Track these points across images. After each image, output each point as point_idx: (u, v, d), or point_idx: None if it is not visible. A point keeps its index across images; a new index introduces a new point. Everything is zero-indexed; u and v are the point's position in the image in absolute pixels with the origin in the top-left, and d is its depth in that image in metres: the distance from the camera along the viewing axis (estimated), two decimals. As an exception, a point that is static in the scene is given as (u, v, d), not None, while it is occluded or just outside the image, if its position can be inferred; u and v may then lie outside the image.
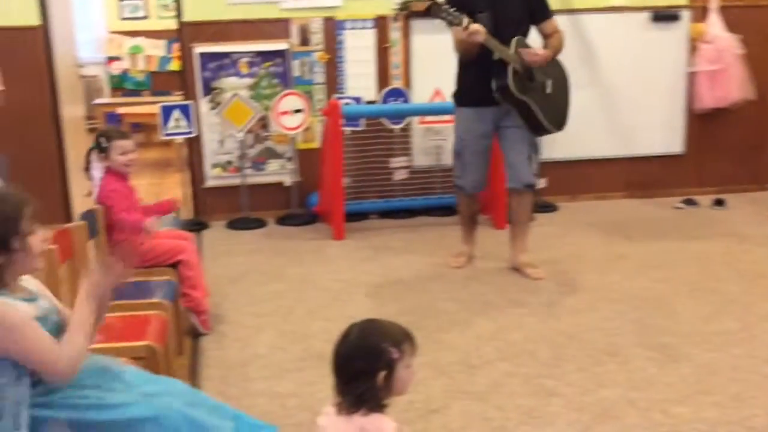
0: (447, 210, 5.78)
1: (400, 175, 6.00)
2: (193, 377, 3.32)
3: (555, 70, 4.54)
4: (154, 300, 3.23)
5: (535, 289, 4.34)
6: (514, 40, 4.28)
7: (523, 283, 4.44)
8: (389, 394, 2.14)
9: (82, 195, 5.73)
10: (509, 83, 4.25)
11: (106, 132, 3.81)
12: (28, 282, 2.03)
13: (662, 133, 6.46)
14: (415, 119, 6.02)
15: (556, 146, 6.20)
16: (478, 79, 4.35)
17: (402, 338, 2.15)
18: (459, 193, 4.75)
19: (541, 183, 6.18)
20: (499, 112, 4.44)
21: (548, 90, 4.47)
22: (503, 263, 4.73)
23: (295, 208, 5.93)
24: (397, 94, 5.94)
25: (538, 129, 4.49)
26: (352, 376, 2.09)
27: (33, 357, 1.87)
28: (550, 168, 6.30)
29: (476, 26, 4.09)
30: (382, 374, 2.09)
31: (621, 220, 5.87)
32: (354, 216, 5.77)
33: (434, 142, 6.03)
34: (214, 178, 5.94)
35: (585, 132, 6.22)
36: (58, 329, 2.01)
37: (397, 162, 5.98)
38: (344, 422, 2.11)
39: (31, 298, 1.97)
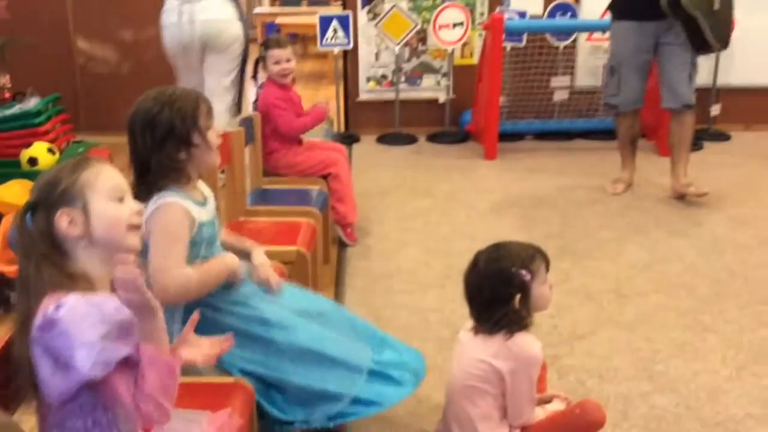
0: (607, 134, 5.47)
1: (560, 96, 5.74)
2: (337, 286, 3.37)
3: None
4: (306, 208, 3.28)
5: (699, 221, 4.07)
6: None
7: (686, 213, 4.17)
8: (529, 313, 2.08)
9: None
10: None
11: (266, 41, 3.85)
12: (202, 185, 2.09)
13: None
14: (582, 36, 5.70)
15: (732, 71, 5.72)
16: None
17: (531, 258, 2.07)
18: (615, 113, 4.50)
19: (714, 110, 5.75)
20: (660, 27, 4.14)
21: (716, 6, 4.09)
22: (665, 192, 4.46)
23: (448, 125, 5.83)
24: (565, 8, 5.63)
25: (702, 47, 4.14)
26: (487, 304, 2.06)
27: (157, 254, 1.91)
28: (725, 94, 5.82)
29: None
30: (517, 298, 2.04)
31: (801, 153, 5.38)
32: (508, 136, 5.59)
33: (600, 61, 5.70)
34: (367, 91, 5.92)
35: (765, 56, 5.70)
36: (215, 237, 2.07)
37: (558, 81, 5.71)
38: (485, 342, 2.08)
39: (203, 202, 2.03)
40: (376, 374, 2.05)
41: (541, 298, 2.09)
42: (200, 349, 1.60)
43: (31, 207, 1.37)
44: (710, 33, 4.05)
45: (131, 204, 1.46)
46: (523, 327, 2.07)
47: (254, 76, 3.99)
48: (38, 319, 1.28)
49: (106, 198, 1.41)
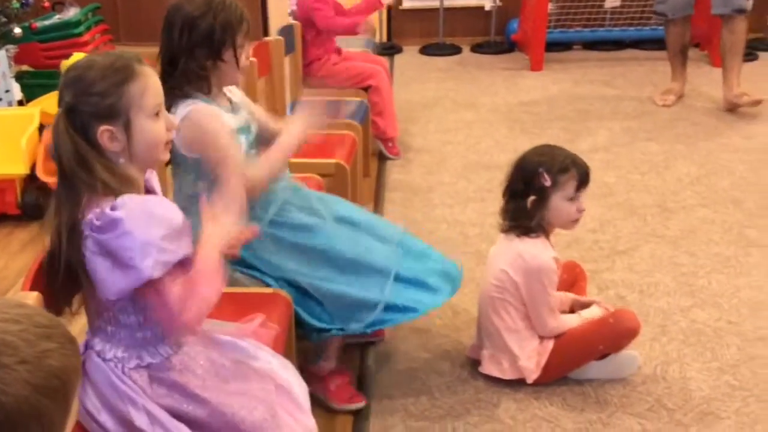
0: (660, 43, 5.27)
1: (611, 3, 5.53)
2: (377, 199, 3.37)
3: None
4: (345, 120, 3.25)
5: (750, 134, 3.94)
6: None
7: (737, 126, 4.04)
8: (543, 222, 2.06)
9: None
10: None
11: None
12: (233, 93, 2.07)
13: None
14: (634, -60, 5.46)
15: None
16: None
17: (565, 167, 2.03)
18: (663, 20, 4.33)
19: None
20: None
21: None
22: (716, 104, 4.32)
23: (493, 35, 5.68)
24: None
25: None
26: (510, 195, 2.08)
27: (218, 158, 1.90)
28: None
29: None
30: (531, 199, 2.03)
31: None
32: (556, 45, 5.44)
33: (652, -33, 5.47)
34: None
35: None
36: (256, 140, 2.06)
37: (609, -12, 5.52)
38: (506, 245, 2.10)
39: (233, 110, 2.01)
40: (412, 281, 2.05)
41: (560, 213, 2.06)
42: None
43: (71, 109, 1.35)
44: None
45: (167, 118, 1.45)
46: (530, 230, 2.06)
47: None
48: (94, 220, 1.29)
49: (148, 116, 1.39)
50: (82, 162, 1.33)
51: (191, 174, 1.95)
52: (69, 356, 0.92)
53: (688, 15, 4.25)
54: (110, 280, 1.29)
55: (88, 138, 1.35)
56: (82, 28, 4.25)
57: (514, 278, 2.07)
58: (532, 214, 2.05)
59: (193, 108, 1.88)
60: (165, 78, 1.83)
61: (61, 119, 1.35)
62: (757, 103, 4.10)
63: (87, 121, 1.34)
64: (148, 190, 1.48)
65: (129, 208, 1.29)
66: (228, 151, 1.88)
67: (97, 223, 1.28)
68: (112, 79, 1.36)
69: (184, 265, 1.35)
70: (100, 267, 1.30)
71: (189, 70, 1.88)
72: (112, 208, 1.29)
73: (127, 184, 1.35)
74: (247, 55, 1.97)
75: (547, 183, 2.01)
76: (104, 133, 1.34)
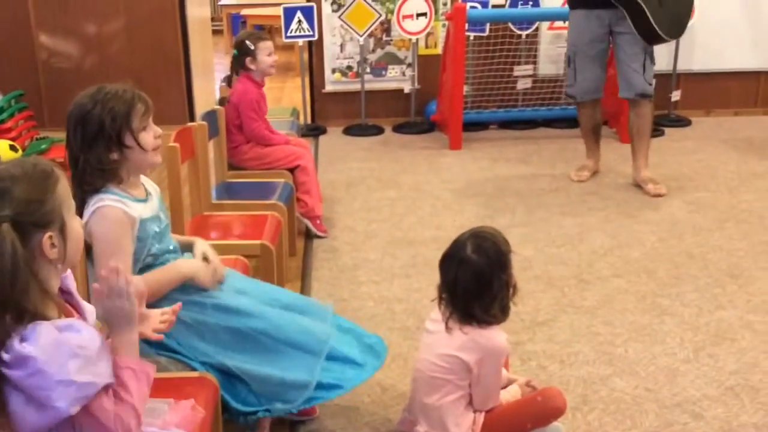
0: (571, 122, 5.55)
1: (523, 84, 5.79)
2: (303, 278, 3.39)
3: None
4: (270, 201, 3.30)
5: (659, 205, 4.15)
6: None
7: (647, 199, 4.25)
8: (513, 296, 2.12)
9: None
10: None
11: (250, 35, 3.78)
12: (146, 182, 2.09)
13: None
14: (544, 25, 5.76)
15: (692, 57, 5.82)
16: None
17: (507, 241, 2.11)
18: (574, 102, 4.58)
19: (675, 96, 5.85)
20: (614, 16, 4.17)
21: None
22: (627, 179, 4.54)
23: (414, 116, 5.87)
24: (526, -3, 5.69)
25: (650, 36, 4.16)
26: (495, 293, 2.06)
27: (99, 266, 1.87)
28: (685, 80, 5.93)
29: None
30: (513, 280, 2.08)
31: (759, 138, 5.48)
32: (473, 125, 5.65)
33: (562, 50, 5.76)
34: (333, 83, 5.93)
35: (724, 42, 5.81)
36: (165, 232, 2.07)
37: (521, 70, 5.76)
38: (450, 336, 2.08)
39: (143, 199, 2.03)
40: (338, 358, 2.07)
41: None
42: (150, 322, 1.61)
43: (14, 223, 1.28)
44: (656, 22, 4.05)
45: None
46: (494, 320, 2.08)
47: (231, 77, 3.89)
48: (3, 354, 1.22)
49: (74, 215, 1.39)
50: (23, 285, 1.26)
51: None
52: None
53: (598, 98, 4.48)
54: (23, 417, 1.23)
55: (28, 252, 1.29)
56: (5, 115, 4.23)
57: (467, 361, 2.05)
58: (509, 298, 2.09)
59: (101, 207, 1.90)
60: (75, 177, 1.86)
61: (8, 233, 1.26)
62: (660, 195, 4.27)
63: (28, 233, 1.29)
64: (64, 291, 1.45)
65: (41, 342, 1.22)
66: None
67: (6, 357, 1.22)
68: (44, 184, 1.34)
69: (107, 385, 1.33)
70: (14, 400, 1.23)
71: (91, 166, 1.89)
72: (22, 339, 1.22)
73: (44, 304, 1.31)
74: (155, 133, 1.98)
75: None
76: (47, 241, 1.31)
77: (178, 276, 2.03)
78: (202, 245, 2.17)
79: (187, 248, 2.17)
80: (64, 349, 1.24)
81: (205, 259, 2.12)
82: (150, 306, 1.88)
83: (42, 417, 1.23)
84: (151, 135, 1.96)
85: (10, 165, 1.36)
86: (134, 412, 1.34)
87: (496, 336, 2.08)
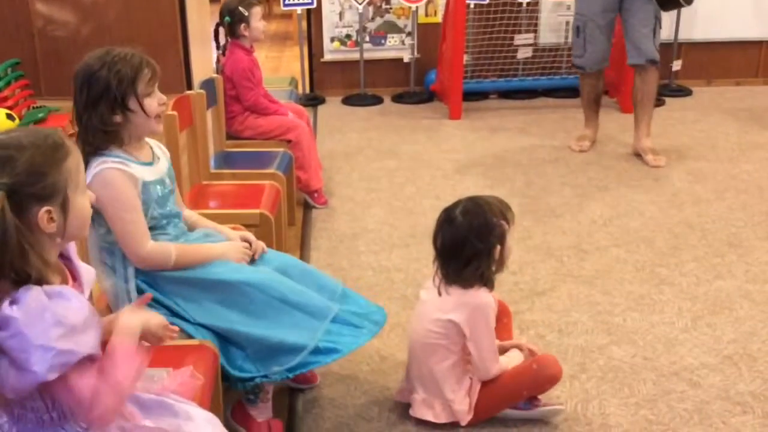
0: (571, 91, 5.53)
1: (524, 53, 5.75)
2: (302, 247, 3.39)
3: None
4: (269, 170, 3.29)
5: (659, 176, 4.14)
6: None
7: (647, 169, 4.24)
8: (499, 268, 2.13)
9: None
10: None
11: (241, 1, 3.66)
12: (157, 145, 2.09)
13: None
14: (545, -7, 5.70)
15: (693, 26, 5.78)
16: None
17: (505, 209, 2.13)
18: (580, 73, 4.53)
19: (676, 65, 5.81)
20: None
21: None
22: (627, 149, 4.53)
23: (413, 85, 5.83)
24: (527, -36, 5.62)
25: (668, 2, 4.16)
26: (469, 257, 2.07)
27: (119, 229, 1.94)
28: (686, 49, 5.89)
29: None
30: (497, 249, 2.08)
31: (760, 108, 5.46)
32: (472, 95, 5.62)
33: (563, 18, 5.71)
34: (332, 52, 5.89)
35: (726, 11, 5.76)
36: (167, 196, 2.07)
37: (521, 39, 5.71)
38: (442, 301, 2.12)
39: (149, 162, 2.02)
40: (335, 321, 2.06)
41: (510, 251, 2.15)
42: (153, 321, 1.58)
43: (11, 192, 1.26)
44: None
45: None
46: (492, 281, 2.11)
47: (217, 40, 3.87)
48: None
49: (82, 192, 1.37)
50: (21, 250, 1.26)
51: (103, 227, 1.97)
52: None
53: (603, 68, 4.46)
54: (5, 378, 1.25)
55: (24, 223, 1.28)
56: (1, 84, 4.20)
57: (457, 321, 2.08)
58: (498, 264, 2.10)
59: (103, 170, 1.91)
60: (80, 137, 1.87)
61: (2, 202, 1.25)
62: (658, 167, 4.25)
63: (26, 204, 1.28)
64: (64, 257, 1.44)
65: (27, 306, 1.23)
66: (126, 226, 1.93)
67: None
68: (52, 156, 1.32)
69: (93, 358, 1.32)
70: (0, 361, 1.24)
71: (93, 126, 1.91)
72: (12, 302, 1.23)
73: (46, 270, 1.30)
74: (160, 100, 1.99)
75: (506, 227, 2.09)
76: (44, 215, 1.30)
77: (209, 254, 2.06)
78: (241, 232, 2.23)
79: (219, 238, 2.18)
80: (47, 315, 1.24)
81: (246, 241, 2.17)
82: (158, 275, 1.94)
83: (20, 380, 1.24)
84: (155, 101, 1.97)
85: (23, 133, 1.34)
86: (116, 391, 1.32)
87: (481, 293, 2.10)
